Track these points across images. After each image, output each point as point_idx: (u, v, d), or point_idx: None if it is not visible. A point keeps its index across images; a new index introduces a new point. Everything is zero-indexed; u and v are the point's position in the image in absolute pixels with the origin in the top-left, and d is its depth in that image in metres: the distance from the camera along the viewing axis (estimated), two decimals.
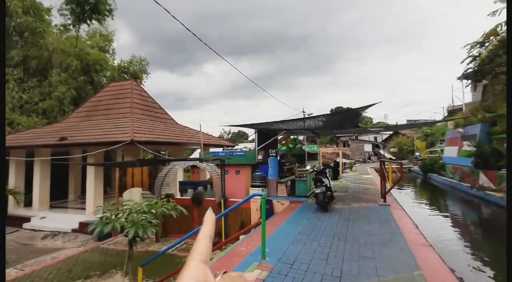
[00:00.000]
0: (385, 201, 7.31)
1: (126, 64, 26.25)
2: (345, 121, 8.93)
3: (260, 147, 8.99)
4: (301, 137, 15.86)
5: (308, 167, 8.30)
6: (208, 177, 11.81)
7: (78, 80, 20.47)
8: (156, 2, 6.38)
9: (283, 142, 11.45)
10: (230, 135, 58.35)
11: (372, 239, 4.41)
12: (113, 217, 4.00)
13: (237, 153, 9.32)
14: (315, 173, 7.30)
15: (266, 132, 9.78)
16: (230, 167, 9.77)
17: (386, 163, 8.02)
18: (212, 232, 0.45)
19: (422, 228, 5.98)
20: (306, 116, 6.56)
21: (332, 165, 14.59)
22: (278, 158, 13.14)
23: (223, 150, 9.88)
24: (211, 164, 8.41)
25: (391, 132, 44.25)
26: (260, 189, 8.13)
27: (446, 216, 9.92)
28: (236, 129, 55.40)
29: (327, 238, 4.51)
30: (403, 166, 7.55)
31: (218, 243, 8.07)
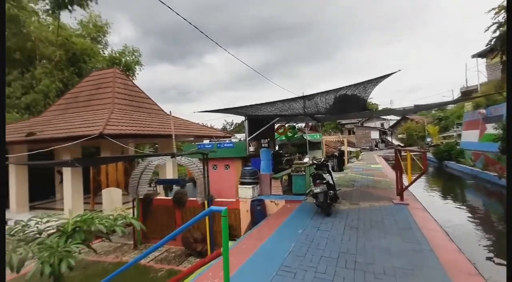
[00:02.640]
0: (402, 199, 5.94)
1: (117, 54, 24.90)
2: (351, 104, 7.49)
3: (251, 136, 7.65)
4: (302, 125, 14.43)
5: (306, 159, 6.95)
6: None
7: (64, 71, 19.27)
8: None
9: (281, 130, 10.08)
10: (233, 126, 56.93)
11: (393, 263, 3.08)
12: (12, 244, 2.77)
13: (225, 145, 8.00)
14: (314, 166, 5.95)
15: (260, 120, 8.41)
16: (219, 160, 8.49)
17: (402, 151, 6.60)
18: None
19: (455, 235, 4.62)
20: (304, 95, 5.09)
21: (336, 154, 13.19)
22: (276, 149, 11.82)
23: (209, 141, 8.57)
24: (192, 159, 7.13)
25: (398, 117, 42.28)
26: (250, 186, 6.84)
27: (480, 217, 8.35)
28: (239, 120, 54.02)
29: (329, 262, 3.20)
30: (415, 153, 6.11)
31: (202, 250, 6.90)
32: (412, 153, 5.97)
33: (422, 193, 10.86)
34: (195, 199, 7.48)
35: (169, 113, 13.92)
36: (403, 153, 6.66)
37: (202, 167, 6.96)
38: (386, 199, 6.31)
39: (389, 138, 41.61)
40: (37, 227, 3.46)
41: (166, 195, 9.33)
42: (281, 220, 5.15)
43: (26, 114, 15.93)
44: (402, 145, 33.89)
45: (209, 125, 38.31)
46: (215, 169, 8.62)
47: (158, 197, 8.30)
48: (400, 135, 39.64)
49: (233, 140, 8.28)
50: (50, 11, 16.97)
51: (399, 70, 4.07)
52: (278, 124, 10.40)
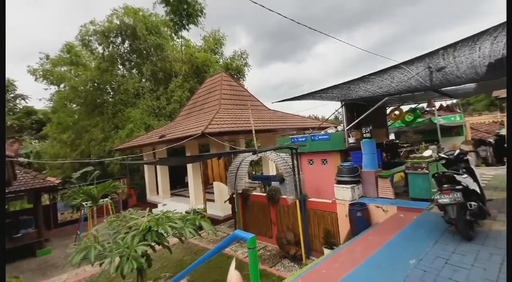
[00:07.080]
0: None
1: (229, 60, 27.67)
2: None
3: (349, 125, 6.28)
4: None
5: (428, 152, 4.94)
6: None
7: (190, 82, 23.20)
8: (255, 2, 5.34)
9: (395, 114, 7.93)
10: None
11: None
12: (96, 240, 3.08)
13: (319, 137, 7.00)
14: (442, 162, 4.08)
15: (362, 105, 6.86)
16: (315, 155, 7.59)
17: None
18: None
19: None
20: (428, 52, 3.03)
21: (491, 141, 9.25)
22: (392, 138, 9.54)
23: (303, 134, 7.78)
24: (281, 154, 6.60)
25: None
26: (349, 186, 5.60)
27: None
28: None
29: None
30: None
31: (296, 254, 6.29)
32: None
33: None
34: (285, 197, 6.96)
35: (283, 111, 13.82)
36: None
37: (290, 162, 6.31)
38: None
39: None
40: (128, 221, 3.84)
41: (265, 190, 9.30)
42: (389, 236, 3.78)
43: (169, 120, 20.19)
44: None
45: (320, 118, 36.86)
46: (311, 164, 7.76)
47: (254, 193, 8.34)
48: None
49: (329, 131, 7.14)
50: (174, 34, 20.69)
51: None
52: (391, 107, 8.25)
